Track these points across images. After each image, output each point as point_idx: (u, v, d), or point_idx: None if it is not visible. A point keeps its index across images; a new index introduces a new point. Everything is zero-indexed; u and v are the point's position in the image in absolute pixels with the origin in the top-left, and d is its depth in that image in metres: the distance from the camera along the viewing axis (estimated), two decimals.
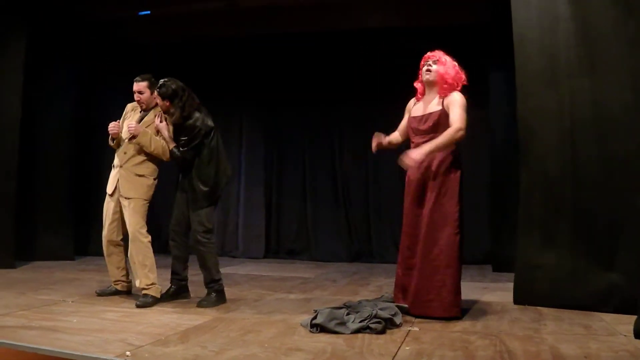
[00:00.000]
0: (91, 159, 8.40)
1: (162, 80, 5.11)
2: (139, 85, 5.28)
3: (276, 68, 9.07)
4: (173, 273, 5.33)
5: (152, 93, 5.26)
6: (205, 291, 5.19)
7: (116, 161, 5.29)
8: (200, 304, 4.98)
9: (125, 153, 5.20)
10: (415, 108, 4.89)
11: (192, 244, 5.20)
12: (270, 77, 9.11)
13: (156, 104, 5.26)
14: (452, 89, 4.65)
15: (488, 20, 7.29)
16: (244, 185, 9.12)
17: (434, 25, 7.81)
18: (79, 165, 8.37)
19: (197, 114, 5.09)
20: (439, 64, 4.69)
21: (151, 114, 5.27)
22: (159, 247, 9.01)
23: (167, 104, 5.07)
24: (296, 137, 9.22)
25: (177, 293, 5.29)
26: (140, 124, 5.17)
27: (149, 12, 8.05)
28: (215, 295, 5.11)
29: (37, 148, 7.82)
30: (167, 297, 5.19)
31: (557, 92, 5.05)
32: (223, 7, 7.80)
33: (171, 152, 5.12)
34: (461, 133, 4.48)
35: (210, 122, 5.12)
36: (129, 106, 5.50)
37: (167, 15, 8.22)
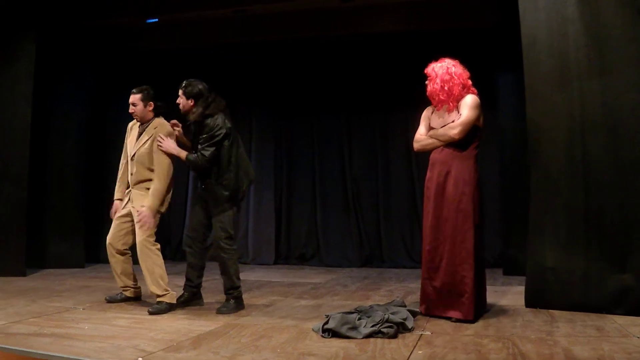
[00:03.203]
0: (102, 166, 8.41)
1: (187, 80, 5.12)
2: (133, 97, 5.27)
3: (285, 74, 9.08)
4: (187, 280, 5.31)
5: (145, 106, 5.27)
6: (224, 297, 5.17)
7: (129, 181, 5.32)
8: (219, 311, 4.96)
9: (132, 174, 5.25)
10: (434, 118, 4.93)
11: (214, 251, 5.17)
12: (280, 82, 9.12)
13: (152, 117, 5.29)
14: (450, 98, 4.77)
15: (496, 23, 7.27)
16: (254, 191, 9.09)
17: (442, 30, 7.81)
18: (90, 173, 8.39)
19: (220, 115, 5.07)
20: (429, 81, 4.86)
21: (150, 129, 5.25)
22: (170, 253, 9.08)
23: (191, 103, 5.06)
24: (306, 142, 9.20)
25: (188, 300, 5.27)
26: (136, 151, 5.22)
27: (157, 19, 8.06)
28: (234, 302, 5.09)
29: (47, 156, 7.86)
30: (179, 305, 5.18)
31: (567, 93, 5.03)
32: (232, 14, 7.81)
33: (187, 159, 5.09)
34: (453, 132, 4.69)
35: (229, 124, 5.09)
36: (129, 125, 5.49)
37: (176, 23, 8.24)
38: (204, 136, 5.02)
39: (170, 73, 8.32)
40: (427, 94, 4.87)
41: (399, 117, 8.65)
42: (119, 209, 5.37)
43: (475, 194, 4.66)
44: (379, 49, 8.59)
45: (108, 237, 5.31)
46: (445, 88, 4.74)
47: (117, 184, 5.49)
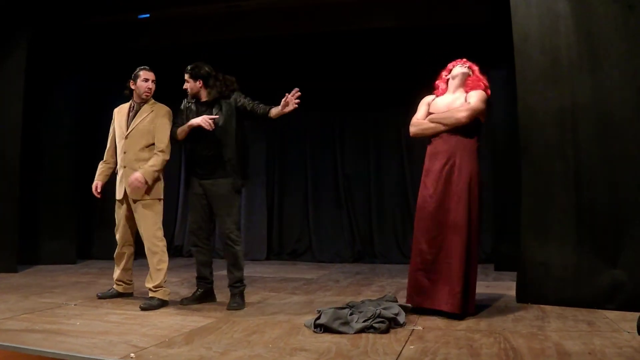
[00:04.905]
0: (94, 163, 8.35)
1: (192, 63, 5.10)
2: (153, 75, 5.27)
3: (277, 70, 9.05)
4: (201, 277, 5.22)
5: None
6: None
7: (119, 163, 5.25)
8: (230, 307, 4.89)
9: (125, 152, 5.16)
10: (438, 102, 4.90)
11: (225, 244, 5.06)
12: (271, 79, 9.07)
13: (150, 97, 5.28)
14: (476, 88, 4.83)
15: (489, 20, 7.27)
16: (246, 186, 9.10)
17: (435, 26, 7.78)
18: (82, 169, 8.34)
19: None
20: (464, 64, 4.91)
21: (147, 107, 5.22)
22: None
23: (200, 84, 5.05)
24: (298, 138, 9.22)
25: (203, 297, 5.19)
26: (132, 128, 5.16)
27: (148, 15, 8.03)
28: (240, 296, 5.02)
29: (40, 152, 7.84)
30: (195, 300, 5.13)
31: (559, 89, 5.05)
32: (224, 9, 7.78)
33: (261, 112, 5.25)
34: (461, 114, 4.64)
35: None
36: (115, 110, 5.44)
37: (168, 19, 8.20)
38: (247, 102, 5.22)
39: (164, 71, 8.30)
40: (469, 72, 4.89)
41: (391, 114, 8.67)
42: (98, 187, 5.40)
43: (479, 186, 4.65)
44: (371, 46, 8.55)
45: (118, 238, 5.31)
46: (473, 77, 4.85)
47: (99, 165, 5.50)
